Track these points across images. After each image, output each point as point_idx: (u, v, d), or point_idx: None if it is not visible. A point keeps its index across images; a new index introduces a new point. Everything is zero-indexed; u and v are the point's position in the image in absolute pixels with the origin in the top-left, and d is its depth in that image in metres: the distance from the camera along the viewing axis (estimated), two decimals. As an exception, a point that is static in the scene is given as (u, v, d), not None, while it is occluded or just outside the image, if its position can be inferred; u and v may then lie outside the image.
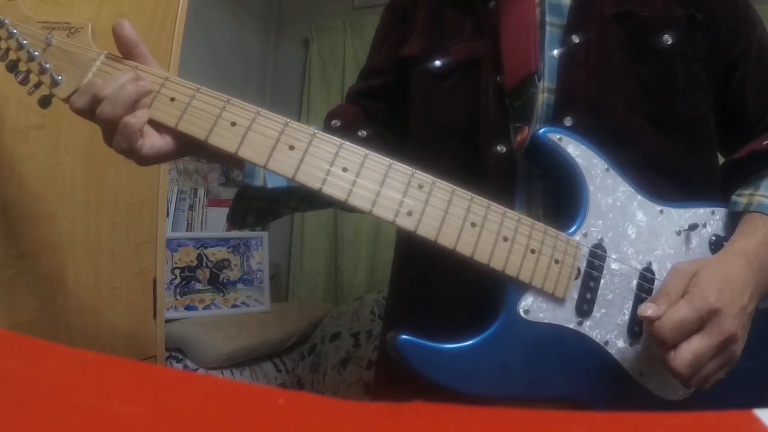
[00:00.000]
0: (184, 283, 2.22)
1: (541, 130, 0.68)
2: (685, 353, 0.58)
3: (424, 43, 0.83)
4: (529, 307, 0.64)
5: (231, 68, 2.78)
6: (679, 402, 0.67)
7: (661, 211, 0.70)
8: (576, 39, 0.73)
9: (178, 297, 2.19)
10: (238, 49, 2.84)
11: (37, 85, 0.64)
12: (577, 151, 0.68)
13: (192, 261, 2.27)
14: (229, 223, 0.81)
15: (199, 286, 2.27)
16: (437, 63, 0.80)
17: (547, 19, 0.74)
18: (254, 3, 2.99)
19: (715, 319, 0.59)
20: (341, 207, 0.67)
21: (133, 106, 0.60)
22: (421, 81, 0.83)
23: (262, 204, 0.79)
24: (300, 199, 0.80)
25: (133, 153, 0.62)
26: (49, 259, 0.91)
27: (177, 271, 2.22)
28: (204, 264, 2.30)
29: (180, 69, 1.15)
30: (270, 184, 0.74)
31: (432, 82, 0.81)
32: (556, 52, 0.73)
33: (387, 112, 0.89)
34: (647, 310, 0.60)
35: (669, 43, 0.73)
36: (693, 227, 0.70)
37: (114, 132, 0.61)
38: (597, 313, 0.66)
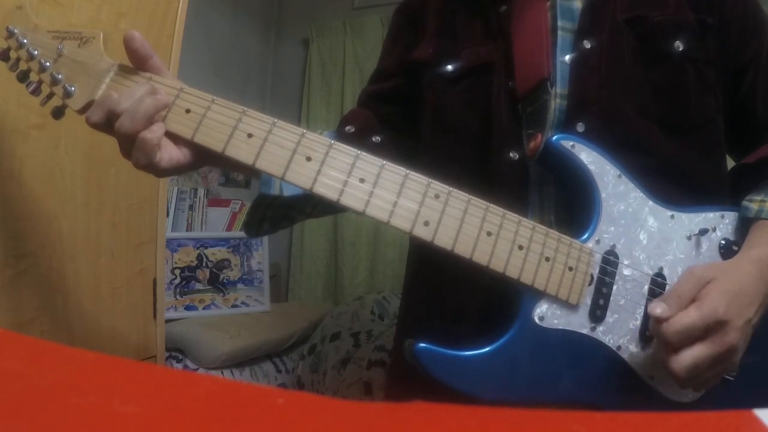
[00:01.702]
0: (184, 283, 2.22)
1: (555, 138, 0.68)
2: (687, 359, 0.59)
3: (435, 47, 0.83)
4: (544, 314, 0.65)
5: (231, 68, 2.78)
6: (690, 405, 0.68)
7: (672, 217, 0.70)
8: (588, 44, 0.72)
9: (178, 297, 2.19)
10: (238, 49, 2.84)
11: (50, 96, 0.63)
12: (589, 158, 0.68)
13: (192, 261, 2.27)
14: (245, 232, 0.81)
15: (199, 286, 2.27)
16: (449, 67, 0.80)
17: (559, 23, 0.74)
18: (254, 3, 2.99)
19: (720, 331, 0.60)
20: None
21: (151, 120, 0.59)
22: (433, 85, 0.83)
23: (279, 211, 0.79)
24: (315, 204, 0.80)
25: (152, 167, 0.61)
26: (49, 259, 0.91)
27: (177, 271, 2.22)
28: (204, 264, 2.30)
29: (180, 69, 1.15)
30: (286, 192, 0.74)
31: (444, 86, 0.81)
32: (567, 57, 0.73)
33: (400, 115, 0.89)
34: (656, 308, 0.61)
35: (681, 49, 0.72)
36: (703, 232, 0.71)
37: (132, 146, 0.60)
38: (610, 318, 0.66)
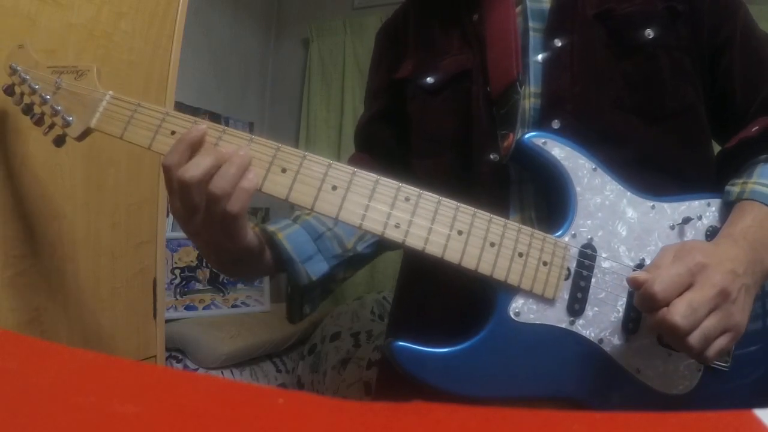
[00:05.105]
0: (184, 283, 2.22)
1: (526, 135, 0.69)
2: (679, 304, 0.57)
3: (415, 63, 0.85)
4: (520, 309, 0.65)
5: (231, 68, 2.78)
6: (680, 396, 0.67)
7: (653, 207, 0.70)
8: (558, 42, 0.74)
9: (178, 297, 2.19)
10: (238, 49, 2.84)
11: (51, 126, 0.68)
12: (562, 153, 0.69)
13: (192, 261, 2.27)
14: (290, 321, 0.84)
15: (199, 286, 2.27)
16: (429, 79, 0.82)
17: (530, 24, 0.75)
18: (254, 3, 2.99)
19: (704, 272, 0.59)
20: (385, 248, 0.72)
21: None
22: (416, 98, 0.85)
23: (313, 293, 0.82)
24: (346, 267, 0.84)
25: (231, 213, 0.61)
26: (49, 259, 0.90)
27: (177, 271, 2.22)
28: (204, 264, 2.30)
29: (180, 69, 1.15)
30: (314, 276, 0.78)
31: (426, 98, 0.83)
32: (540, 57, 0.74)
33: (395, 138, 0.90)
34: (636, 275, 0.60)
35: (651, 36, 0.73)
36: (686, 221, 0.70)
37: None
38: (589, 311, 0.66)
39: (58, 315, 0.92)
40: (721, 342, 0.59)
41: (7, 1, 0.79)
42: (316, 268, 0.78)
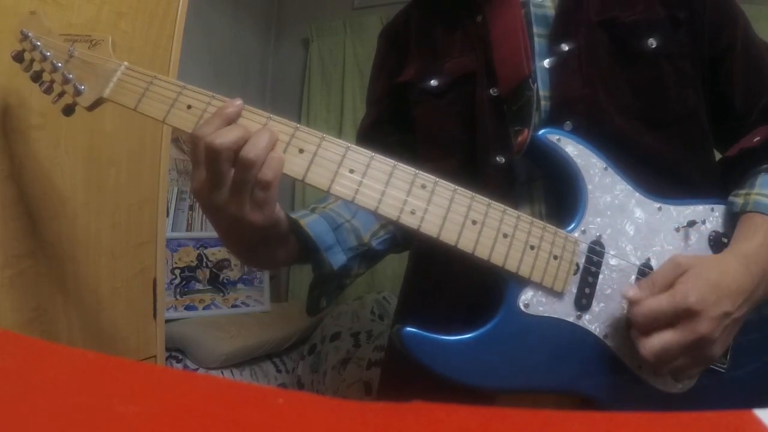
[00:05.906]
0: (184, 283, 2.22)
1: (541, 132, 0.70)
2: (655, 343, 0.60)
3: (418, 66, 0.85)
4: (529, 300, 0.66)
5: (231, 68, 2.78)
6: (680, 395, 0.68)
7: (660, 209, 0.71)
8: (565, 47, 0.74)
9: (178, 297, 2.19)
10: (238, 49, 2.84)
11: (61, 95, 0.67)
12: (575, 151, 0.69)
13: (192, 261, 2.27)
14: (309, 314, 0.84)
15: (199, 286, 2.26)
16: (433, 82, 0.82)
17: (534, 30, 0.76)
18: (254, 3, 2.99)
19: (691, 319, 0.60)
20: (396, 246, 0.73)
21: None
22: (421, 102, 0.85)
23: (331, 285, 0.82)
24: (360, 262, 0.83)
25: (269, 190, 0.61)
26: (49, 259, 0.90)
27: (177, 271, 2.22)
28: (204, 264, 2.30)
29: (180, 69, 1.15)
30: (335, 266, 0.78)
31: (431, 102, 0.83)
32: (546, 62, 0.75)
33: (400, 144, 0.90)
34: (629, 291, 0.63)
35: (654, 46, 0.74)
36: (691, 224, 0.71)
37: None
38: (596, 307, 0.67)
39: (58, 315, 0.92)
40: (689, 371, 0.64)
41: (8, 0, 0.79)
42: (336, 259, 0.78)
